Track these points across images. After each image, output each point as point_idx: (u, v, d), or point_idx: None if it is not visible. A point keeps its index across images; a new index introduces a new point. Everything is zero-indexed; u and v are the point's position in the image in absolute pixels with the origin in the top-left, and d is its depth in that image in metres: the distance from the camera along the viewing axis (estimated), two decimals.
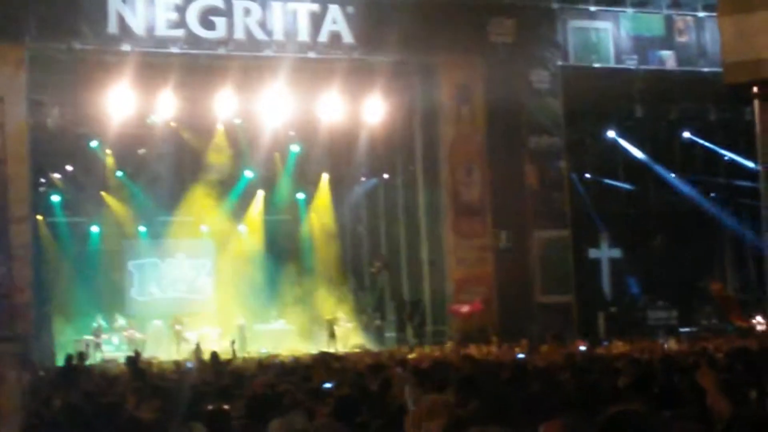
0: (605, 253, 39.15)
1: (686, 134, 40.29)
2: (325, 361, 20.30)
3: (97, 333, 36.38)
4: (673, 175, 40.38)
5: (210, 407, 9.79)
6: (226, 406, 9.79)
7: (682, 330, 35.17)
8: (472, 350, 26.64)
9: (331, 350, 32.78)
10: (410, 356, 26.04)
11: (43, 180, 37.23)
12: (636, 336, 30.66)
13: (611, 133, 39.86)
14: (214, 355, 22.22)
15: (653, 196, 40.50)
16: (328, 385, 11.47)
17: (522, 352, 24.76)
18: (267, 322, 39.50)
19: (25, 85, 31.44)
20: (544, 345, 27.43)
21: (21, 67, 31.15)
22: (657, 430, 5.01)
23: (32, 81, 31.87)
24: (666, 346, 26.32)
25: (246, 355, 32.80)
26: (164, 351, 35.90)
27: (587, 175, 40.34)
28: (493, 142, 35.49)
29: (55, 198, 38.89)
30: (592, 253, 38.97)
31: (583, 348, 26.10)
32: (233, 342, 31.58)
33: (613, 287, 39.13)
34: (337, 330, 38.24)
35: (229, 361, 24.47)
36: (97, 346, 35.77)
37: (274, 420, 8.30)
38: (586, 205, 38.90)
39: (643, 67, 37.13)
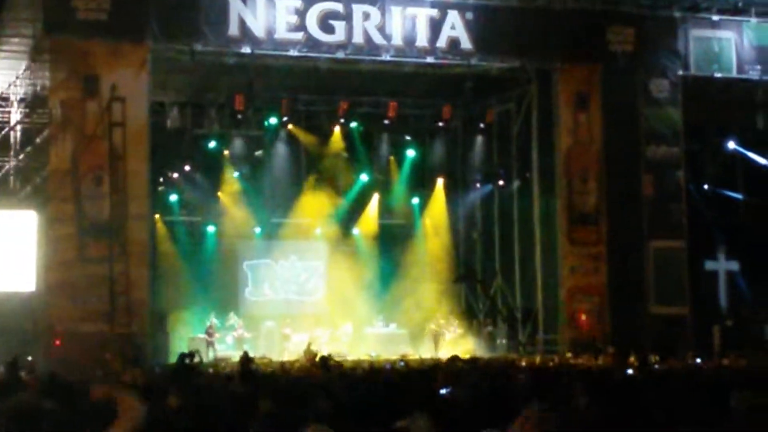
0: (722, 265, 38.50)
1: None
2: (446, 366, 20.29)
3: (210, 332, 36.77)
4: None
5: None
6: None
7: None
8: (584, 360, 26.45)
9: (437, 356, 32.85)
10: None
11: (161, 179, 37.70)
12: (752, 350, 30.14)
13: (731, 144, 39.26)
14: (324, 357, 22.26)
15: None
16: (443, 391, 11.43)
17: (633, 365, 24.48)
18: (378, 325, 39.57)
19: (147, 85, 31.92)
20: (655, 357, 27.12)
21: (143, 68, 31.64)
22: None
23: (154, 81, 32.37)
24: None
25: (356, 358, 32.94)
26: (275, 351, 36.17)
27: (705, 186, 39.76)
28: (609, 151, 35.19)
29: (173, 197, 39.37)
30: (709, 264, 38.34)
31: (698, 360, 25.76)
32: (309, 344, 31.64)
33: (730, 300, 38.49)
34: (442, 336, 38.28)
35: (338, 364, 24.54)
36: (211, 344, 36.14)
37: (400, 422, 8.28)
38: (703, 217, 38.31)
39: (765, 77, 36.55)
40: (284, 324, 38.53)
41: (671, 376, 18.61)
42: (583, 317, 34.20)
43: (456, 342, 37.97)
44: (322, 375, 18.64)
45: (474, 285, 39.81)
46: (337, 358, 25.35)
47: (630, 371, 22.16)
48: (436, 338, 38.30)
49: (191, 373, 18.68)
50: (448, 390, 11.61)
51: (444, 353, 34.54)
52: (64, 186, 31.18)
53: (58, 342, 29.49)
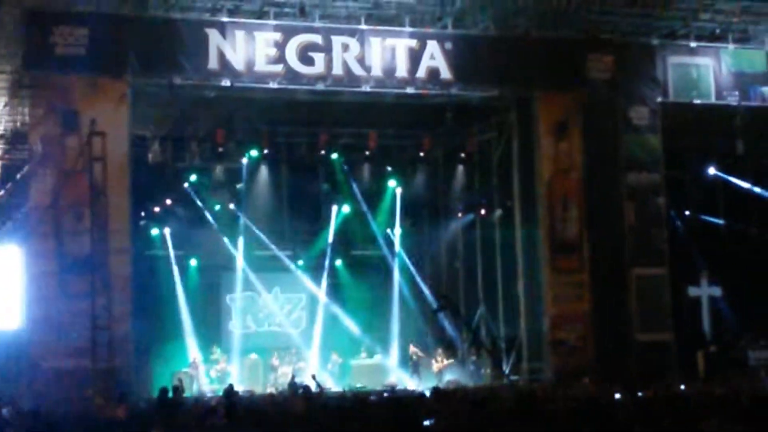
0: (705, 290, 38.54)
1: None
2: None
3: (194, 365, 36.68)
4: None
5: None
6: None
7: None
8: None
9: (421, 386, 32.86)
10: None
11: (143, 213, 37.65)
12: (736, 375, 30.16)
13: (712, 170, 39.39)
14: (307, 388, 22.24)
15: (755, 233, 39.88)
16: (427, 423, 11.42)
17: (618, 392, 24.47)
18: (363, 356, 39.51)
19: (127, 119, 31.87)
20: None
21: (123, 102, 31.57)
22: None
23: (134, 116, 32.33)
24: None
25: (342, 389, 32.89)
26: (259, 384, 36.08)
27: (687, 212, 39.87)
28: (591, 179, 35.25)
29: (155, 231, 39.31)
30: (692, 290, 38.39)
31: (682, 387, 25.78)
32: (314, 376, 31.60)
33: (713, 326, 38.54)
34: (424, 366, 38.31)
35: (319, 395, 24.48)
36: (195, 378, 36.02)
37: None
38: (685, 243, 38.43)
39: (744, 103, 36.70)
40: (268, 356, 38.45)
41: (655, 402, 18.63)
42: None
43: (441, 372, 37.92)
44: (306, 407, 18.62)
45: (454, 315, 39.72)
46: (323, 389, 25.33)
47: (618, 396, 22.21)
48: (417, 368, 38.27)
49: (173, 408, 18.63)
50: (432, 421, 11.61)
51: (429, 383, 34.54)
52: (45, 222, 31.07)
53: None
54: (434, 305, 40.28)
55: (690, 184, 39.76)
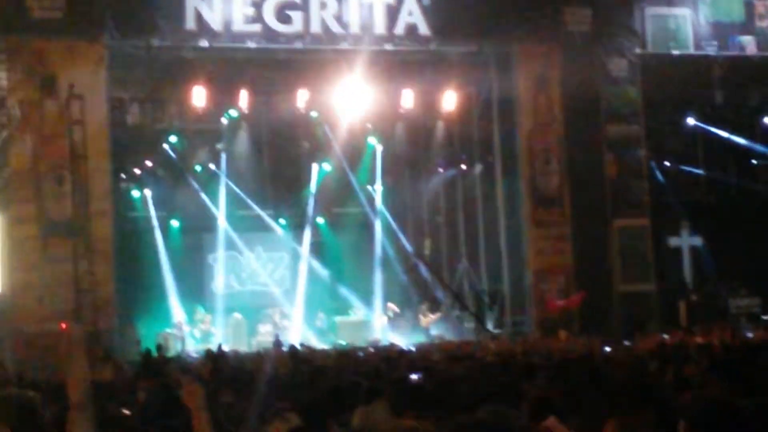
0: (686, 241, 38.69)
1: (767, 119, 39.74)
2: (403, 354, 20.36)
3: (178, 326, 36.73)
4: (754, 161, 39.99)
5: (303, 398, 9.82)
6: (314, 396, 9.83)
7: (764, 318, 34.79)
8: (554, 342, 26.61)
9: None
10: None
11: (123, 175, 37.61)
12: (718, 324, 30.35)
13: (691, 121, 39.46)
14: (292, 347, 22.31)
15: (734, 182, 40.01)
16: (414, 377, 11.43)
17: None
18: (347, 313, 39.63)
19: (105, 82, 31.82)
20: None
21: (100, 65, 31.53)
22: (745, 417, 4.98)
23: (112, 78, 32.26)
24: (749, 334, 26.06)
25: (325, 347, 32.99)
26: (243, 343, 36.17)
27: (667, 163, 39.96)
28: (570, 132, 35.28)
29: (136, 193, 39.27)
30: (673, 241, 38.55)
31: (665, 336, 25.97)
32: (276, 336, 31.49)
33: (695, 275, 38.73)
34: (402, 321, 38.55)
35: (307, 353, 24.58)
36: (179, 339, 36.07)
37: (358, 408, 8.31)
38: (666, 194, 38.53)
39: (722, 53, 36.74)
40: (252, 316, 38.52)
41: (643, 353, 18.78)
42: (561, 302, 34.07)
43: (428, 326, 38.06)
44: (290, 367, 18.67)
45: (430, 271, 39.81)
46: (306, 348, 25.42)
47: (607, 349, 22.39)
48: (394, 324, 38.42)
49: (158, 368, 18.66)
50: (418, 376, 11.64)
51: (411, 339, 34.71)
52: (26, 186, 31.03)
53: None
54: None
55: (669, 135, 39.78)
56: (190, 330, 37.35)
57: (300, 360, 20.68)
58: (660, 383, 10.94)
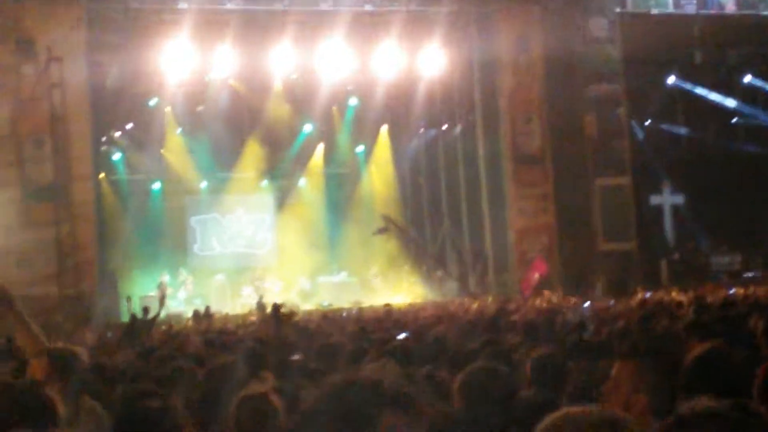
0: (667, 199, 38.85)
1: (747, 78, 39.83)
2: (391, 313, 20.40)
3: (161, 288, 36.66)
4: (734, 119, 40.11)
5: (279, 358, 9.85)
6: (295, 357, 9.85)
7: (746, 275, 34.95)
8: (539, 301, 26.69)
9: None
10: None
11: (104, 139, 37.49)
12: (699, 282, 30.50)
13: (671, 80, 39.49)
14: (276, 308, 22.22)
15: (715, 141, 40.10)
16: (401, 336, 11.48)
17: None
18: (329, 274, 39.68)
19: (84, 45, 31.65)
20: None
21: (79, 27, 31.35)
22: (742, 368, 5.03)
23: (90, 41, 32.08)
24: (732, 291, 26.16)
25: (309, 308, 33.05)
26: (227, 305, 36.21)
27: (647, 122, 40.03)
28: (551, 92, 35.27)
29: (117, 156, 39.15)
30: (654, 199, 38.69)
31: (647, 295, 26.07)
32: (259, 297, 31.47)
33: (676, 234, 38.89)
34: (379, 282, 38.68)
35: (290, 314, 24.58)
36: (162, 302, 36.02)
37: (370, 365, 8.32)
38: (646, 152, 38.61)
39: (702, 11, 36.72)
40: (235, 278, 38.56)
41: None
42: (534, 277, 34.07)
43: (408, 288, 38.17)
44: (275, 328, 18.68)
45: (401, 233, 39.86)
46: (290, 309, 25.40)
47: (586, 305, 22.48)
48: (375, 285, 38.56)
49: (144, 330, 18.68)
50: (405, 335, 11.69)
51: (398, 299, 34.77)
52: (5, 151, 30.92)
53: None
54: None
55: (650, 94, 39.82)
56: (173, 292, 37.32)
57: (283, 321, 20.69)
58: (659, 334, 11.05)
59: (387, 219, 38.78)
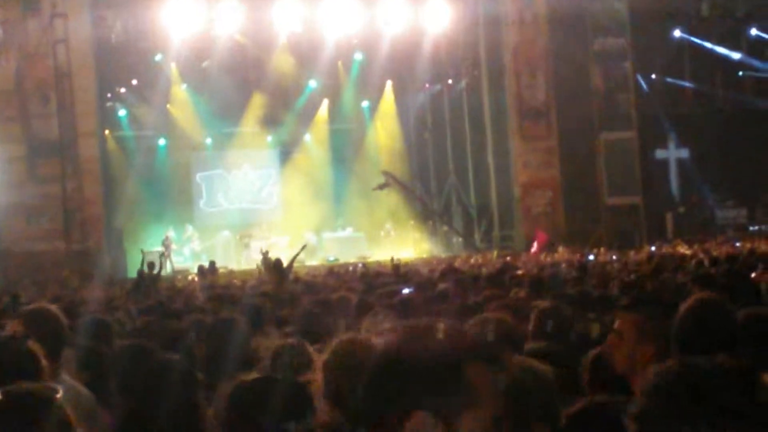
0: (672, 153, 38.80)
1: (753, 31, 39.64)
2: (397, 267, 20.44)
3: (166, 245, 36.73)
4: (740, 72, 39.97)
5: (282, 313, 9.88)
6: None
7: (751, 229, 34.97)
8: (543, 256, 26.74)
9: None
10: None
11: (109, 95, 37.42)
12: (705, 236, 30.53)
13: (677, 33, 39.32)
14: (278, 262, 22.25)
15: (721, 95, 39.99)
16: (406, 291, 11.47)
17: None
18: (334, 230, 39.70)
19: (88, 0, 31.57)
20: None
21: None
22: (735, 320, 5.05)
23: None
24: (737, 244, 26.19)
25: (315, 263, 33.11)
26: (233, 261, 36.27)
27: (653, 76, 39.89)
28: (557, 46, 35.17)
29: (122, 112, 39.07)
30: (660, 153, 38.64)
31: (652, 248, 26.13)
32: (266, 252, 31.72)
33: (681, 188, 38.87)
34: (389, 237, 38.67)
35: (295, 269, 24.63)
36: (168, 257, 36.12)
37: (367, 320, 8.33)
38: (652, 106, 38.50)
39: None
40: (241, 233, 38.60)
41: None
42: (540, 243, 34.00)
43: (413, 243, 38.21)
44: (279, 282, 18.74)
45: (402, 188, 39.78)
46: (295, 265, 25.48)
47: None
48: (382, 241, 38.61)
49: (150, 285, 18.74)
50: (410, 290, 11.69)
51: (403, 254, 34.81)
52: (10, 106, 30.97)
53: None
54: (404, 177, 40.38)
55: (656, 47, 39.66)
56: (179, 248, 37.42)
57: (288, 275, 20.76)
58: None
59: (387, 174, 38.69)
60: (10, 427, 4.06)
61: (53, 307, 6.43)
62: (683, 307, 4.98)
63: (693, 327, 4.85)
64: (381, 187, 37.54)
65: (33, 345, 5.09)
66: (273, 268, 22.82)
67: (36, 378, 4.72)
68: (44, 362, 4.99)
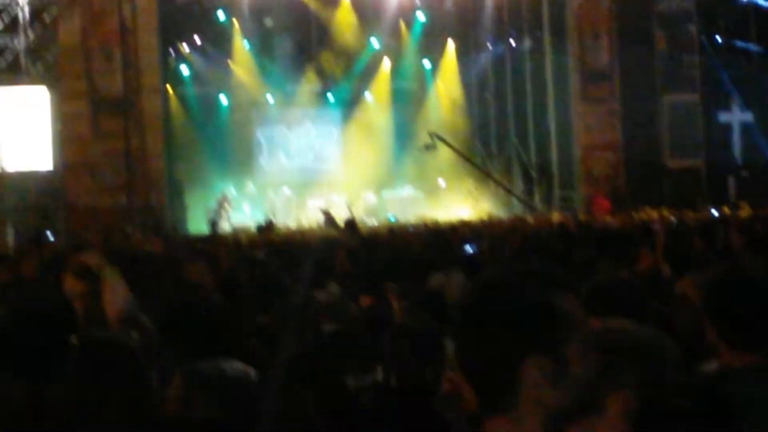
0: (737, 116, 38.40)
1: None
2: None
3: (227, 200, 36.91)
4: None
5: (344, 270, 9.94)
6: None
7: None
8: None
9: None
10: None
11: (172, 52, 37.61)
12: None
13: None
14: (350, 221, 22.27)
15: None
16: (469, 249, 11.52)
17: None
18: (394, 188, 39.73)
19: None
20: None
21: None
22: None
23: None
24: None
25: (375, 222, 33.18)
26: (293, 218, 36.43)
27: (718, 38, 39.48)
28: (621, 7, 34.91)
29: (184, 69, 39.24)
30: (723, 116, 38.28)
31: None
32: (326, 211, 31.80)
33: (745, 151, 38.51)
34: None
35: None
36: (227, 214, 36.33)
37: (436, 275, 8.36)
38: (717, 69, 38.13)
39: None
40: (300, 191, 38.72)
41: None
42: (601, 202, 33.85)
43: (473, 203, 38.17)
44: (345, 237, 18.81)
45: (451, 149, 39.60)
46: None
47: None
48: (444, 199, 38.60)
49: (215, 241, 18.89)
50: (473, 247, 11.73)
51: (463, 214, 34.84)
52: (75, 62, 31.23)
53: None
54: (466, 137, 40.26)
55: (721, 9, 39.23)
56: (239, 204, 37.62)
57: (353, 232, 20.81)
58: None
59: (432, 135, 38.52)
60: (87, 373, 4.17)
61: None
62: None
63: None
64: (427, 147, 37.38)
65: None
66: (345, 226, 22.86)
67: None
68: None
